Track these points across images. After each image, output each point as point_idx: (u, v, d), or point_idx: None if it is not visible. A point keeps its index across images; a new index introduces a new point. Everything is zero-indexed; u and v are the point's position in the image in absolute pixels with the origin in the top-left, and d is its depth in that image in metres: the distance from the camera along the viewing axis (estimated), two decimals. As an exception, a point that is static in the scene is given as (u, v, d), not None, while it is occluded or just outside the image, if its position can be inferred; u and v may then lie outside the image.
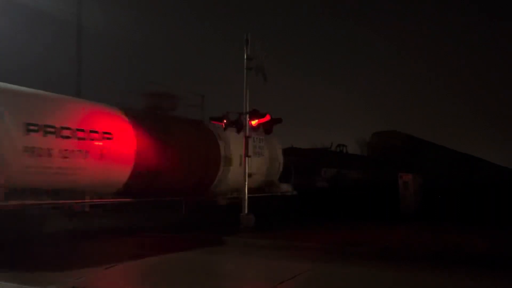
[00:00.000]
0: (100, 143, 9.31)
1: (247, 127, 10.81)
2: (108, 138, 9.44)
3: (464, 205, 15.68)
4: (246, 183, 10.65)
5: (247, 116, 10.82)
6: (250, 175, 11.08)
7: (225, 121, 11.21)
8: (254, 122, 10.84)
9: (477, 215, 15.09)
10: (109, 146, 9.44)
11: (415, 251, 8.51)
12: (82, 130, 8.97)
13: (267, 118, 10.85)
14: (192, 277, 6.21)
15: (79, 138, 8.87)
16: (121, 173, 9.73)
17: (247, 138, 10.72)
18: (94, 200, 9.73)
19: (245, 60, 11.09)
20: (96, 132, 9.26)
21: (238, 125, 10.95)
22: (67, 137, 8.66)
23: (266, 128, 11.34)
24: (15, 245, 7.69)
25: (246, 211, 10.58)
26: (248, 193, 10.76)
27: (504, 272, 6.82)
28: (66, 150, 8.60)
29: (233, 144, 11.97)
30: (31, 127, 8.13)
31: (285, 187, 15.28)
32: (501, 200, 15.26)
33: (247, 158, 10.85)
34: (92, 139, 9.16)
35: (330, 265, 7.07)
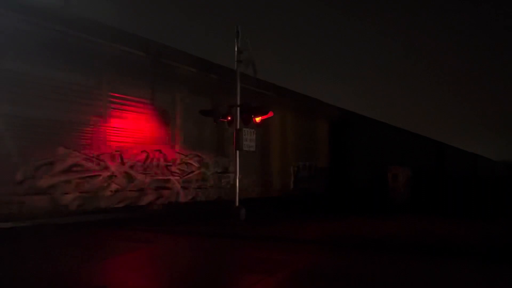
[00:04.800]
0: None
1: (238, 120, 10.76)
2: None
3: (453, 198, 15.89)
4: (237, 175, 10.63)
5: (238, 109, 10.77)
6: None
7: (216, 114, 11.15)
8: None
9: (467, 208, 15.31)
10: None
11: (403, 242, 8.64)
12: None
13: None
14: (177, 269, 6.18)
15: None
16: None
17: (238, 131, 10.66)
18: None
19: (235, 52, 11.02)
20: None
21: (230, 118, 10.90)
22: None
23: (257, 122, 11.34)
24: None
25: (237, 204, 10.57)
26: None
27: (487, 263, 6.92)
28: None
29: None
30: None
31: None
32: (493, 193, 15.48)
33: (237, 151, 10.81)
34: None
35: (320, 257, 7.10)
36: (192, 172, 11.73)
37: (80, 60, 9.44)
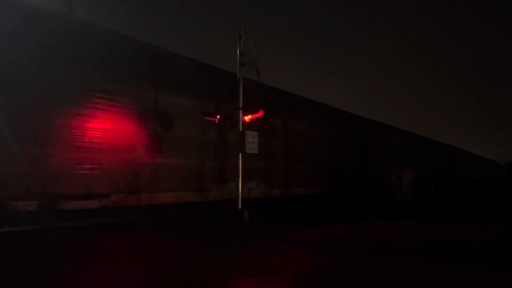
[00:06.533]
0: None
1: (241, 123, 10.75)
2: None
3: (457, 199, 15.85)
4: (240, 178, 10.62)
5: (241, 111, 10.77)
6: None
7: (218, 116, 11.15)
8: (247, 118, 10.78)
9: (470, 210, 15.25)
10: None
11: (407, 246, 8.61)
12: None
13: (261, 113, 10.80)
14: (181, 270, 6.18)
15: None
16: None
17: (241, 133, 10.66)
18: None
19: (238, 55, 11.02)
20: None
21: (232, 120, 10.89)
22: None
23: (259, 124, 11.34)
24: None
25: (240, 206, 10.56)
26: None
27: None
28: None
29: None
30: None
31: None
32: (495, 194, 15.40)
33: (240, 154, 10.80)
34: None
35: (324, 258, 7.10)
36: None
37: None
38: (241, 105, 10.87)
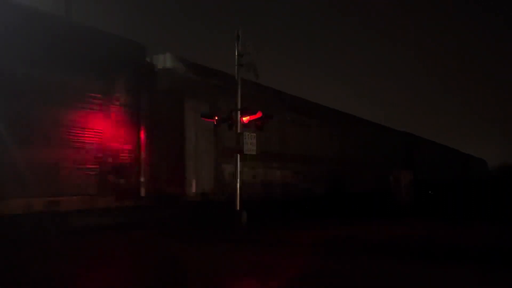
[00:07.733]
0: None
1: (239, 124, 10.74)
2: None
3: (455, 200, 15.86)
4: (239, 179, 10.61)
5: (239, 112, 10.76)
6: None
7: (216, 117, 11.13)
8: (245, 119, 10.78)
9: (468, 210, 15.28)
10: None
11: (404, 247, 8.62)
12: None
13: (259, 115, 10.80)
14: (176, 271, 6.17)
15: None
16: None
17: (239, 134, 10.65)
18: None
19: (236, 56, 11.01)
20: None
21: (230, 121, 10.88)
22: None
23: (258, 125, 11.29)
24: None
25: (238, 208, 10.54)
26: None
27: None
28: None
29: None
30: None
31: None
32: (493, 194, 15.42)
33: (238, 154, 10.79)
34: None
35: (321, 260, 7.09)
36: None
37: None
38: (239, 106, 10.86)
